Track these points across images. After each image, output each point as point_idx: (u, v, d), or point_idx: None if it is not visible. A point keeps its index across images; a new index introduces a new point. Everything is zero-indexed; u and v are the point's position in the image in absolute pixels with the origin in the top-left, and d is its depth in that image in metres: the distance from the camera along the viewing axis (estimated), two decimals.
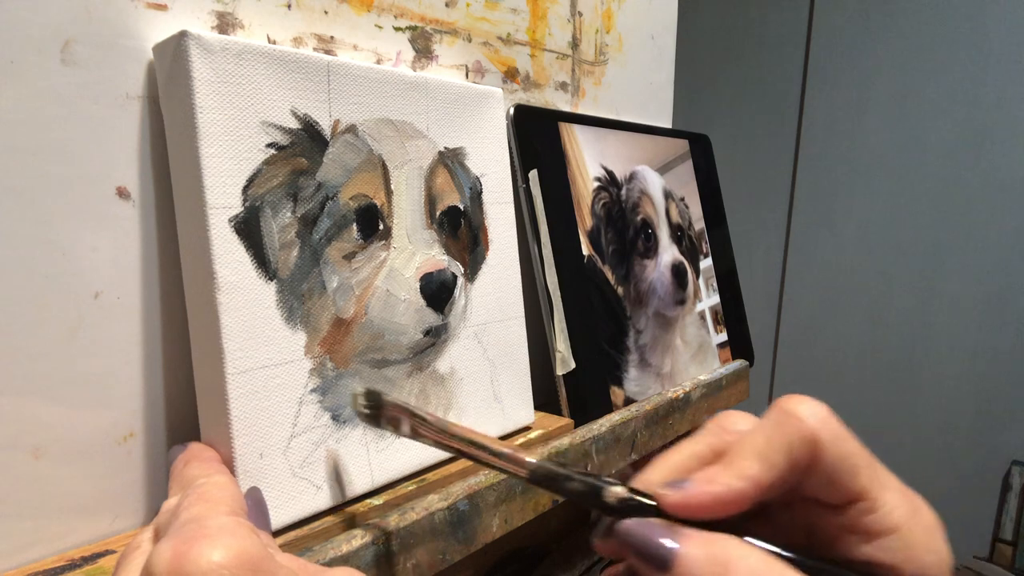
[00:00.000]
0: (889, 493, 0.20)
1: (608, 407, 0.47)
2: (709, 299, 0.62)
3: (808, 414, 0.20)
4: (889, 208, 1.55)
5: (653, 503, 0.20)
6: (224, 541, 0.18)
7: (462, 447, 0.25)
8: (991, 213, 1.42)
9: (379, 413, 0.28)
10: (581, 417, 0.44)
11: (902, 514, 0.20)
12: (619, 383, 0.49)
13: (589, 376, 0.46)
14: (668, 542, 0.19)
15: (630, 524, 0.20)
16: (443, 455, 0.36)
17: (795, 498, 0.21)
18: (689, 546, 0.19)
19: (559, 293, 0.44)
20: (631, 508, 0.20)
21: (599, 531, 0.21)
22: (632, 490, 0.21)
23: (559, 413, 0.45)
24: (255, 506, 0.26)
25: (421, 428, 0.26)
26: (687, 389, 0.52)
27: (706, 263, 0.63)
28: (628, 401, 0.49)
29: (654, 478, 0.22)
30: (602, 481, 0.21)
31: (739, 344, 0.65)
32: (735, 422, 0.22)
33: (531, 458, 0.23)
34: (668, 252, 0.56)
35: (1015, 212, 1.39)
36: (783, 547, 0.19)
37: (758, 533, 0.20)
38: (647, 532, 0.19)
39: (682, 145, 0.62)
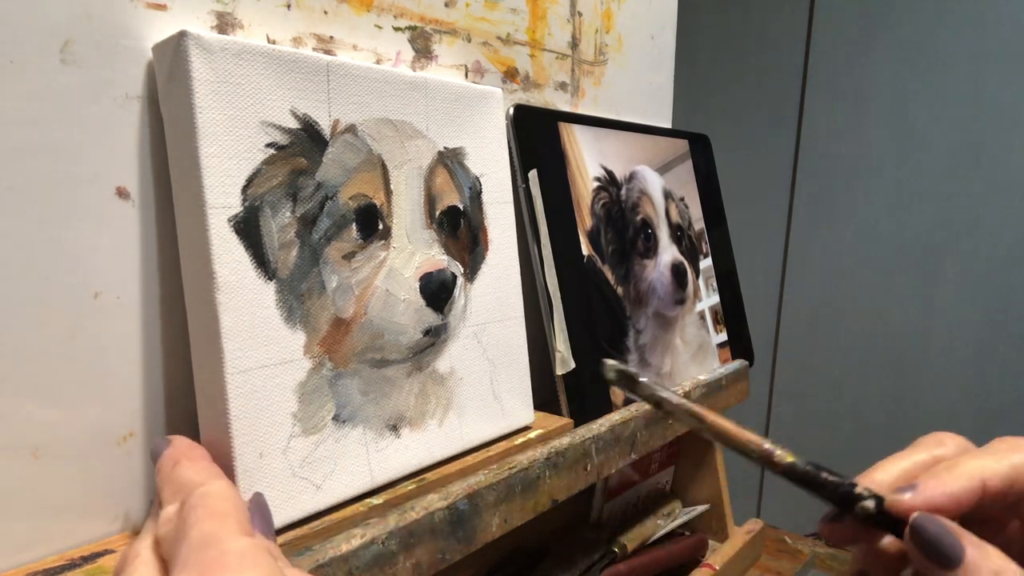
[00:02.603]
0: None
1: (608, 407, 0.47)
2: (709, 299, 0.62)
3: None
4: (889, 208, 1.55)
5: (879, 502, 0.22)
6: (248, 574, 0.18)
7: (712, 434, 0.26)
8: (991, 213, 1.42)
9: (632, 389, 0.28)
10: (581, 417, 0.44)
11: None
12: None
13: (589, 376, 0.46)
14: (957, 543, 0.21)
15: (923, 519, 0.21)
16: (442, 455, 0.36)
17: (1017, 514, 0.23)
18: (973, 551, 0.20)
19: (559, 293, 0.44)
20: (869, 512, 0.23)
21: (827, 516, 0.24)
22: (877, 498, 0.23)
23: (559, 413, 0.45)
24: (259, 511, 0.25)
25: (666, 406, 0.27)
26: (687, 389, 0.52)
27: (706, 263, 0.63)
28: (628, 401, 0.49)
29: (883, 478, 0.24)
30: (850, 486, 0.23)
31: (739, 344, 0.65)
32: (943, 439, 0.25)
33: (785, 457, 0.24)
34: (668, 252, 0.56)
35: (1015, 212, 1.39)
36: None
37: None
38: (941, 531, 0.21)
39: (682, 145, 0.62)
